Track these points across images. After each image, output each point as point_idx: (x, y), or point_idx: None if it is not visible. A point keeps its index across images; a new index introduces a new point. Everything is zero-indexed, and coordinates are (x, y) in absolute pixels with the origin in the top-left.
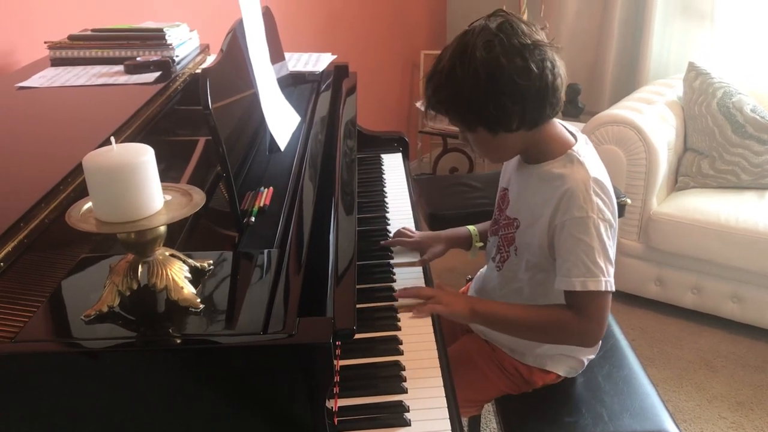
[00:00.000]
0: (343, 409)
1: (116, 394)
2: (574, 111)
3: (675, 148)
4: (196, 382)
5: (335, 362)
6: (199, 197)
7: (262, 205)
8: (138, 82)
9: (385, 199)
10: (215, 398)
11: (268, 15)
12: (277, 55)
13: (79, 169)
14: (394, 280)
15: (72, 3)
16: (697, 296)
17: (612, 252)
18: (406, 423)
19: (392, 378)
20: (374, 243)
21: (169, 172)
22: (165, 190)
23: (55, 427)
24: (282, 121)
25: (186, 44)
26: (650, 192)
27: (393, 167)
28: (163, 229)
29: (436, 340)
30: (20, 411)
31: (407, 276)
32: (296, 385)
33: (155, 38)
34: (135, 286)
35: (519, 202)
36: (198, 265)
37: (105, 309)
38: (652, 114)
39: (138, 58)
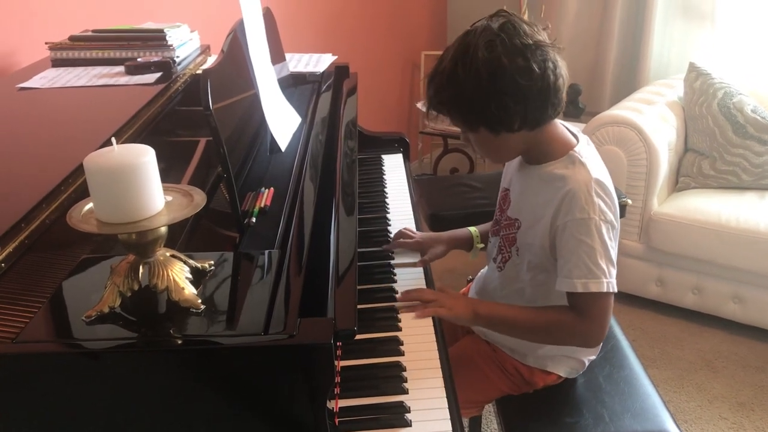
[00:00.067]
0: (344, 410)
1: (117, 395)
2: (575, 111)
3: (676, 149)
4: (197, 383)
5: (336, 363)
6: (199, 198)
7: (262, 205)
8: (139, 83)
9: (386, 200)
10: (216, 399)
11: (268, 15)
12: (277, 56)
13: (80, 169)
14: (395, 281)
15: (72, 4)
16: (697, 297)
17: (614, 253)
18: (407, 423)
19: (393, 378)
20: (375, 243)
21: (169, 173)
22: (166, 190)
23: (56, 428)
24: (283, 121)
25: (187, 45)
26: (651, 192)
27: (394, 168)
28: (164, 229)
29: (437, 341)
30: (21, 412)
31: (408, 277)
32: (297, 386)
33: (156, 39)
34: (136, 287)
35: (520, 203)
36: (199, 265)
37: (106, 310)
38: (653, 114)
39: (139, 59)
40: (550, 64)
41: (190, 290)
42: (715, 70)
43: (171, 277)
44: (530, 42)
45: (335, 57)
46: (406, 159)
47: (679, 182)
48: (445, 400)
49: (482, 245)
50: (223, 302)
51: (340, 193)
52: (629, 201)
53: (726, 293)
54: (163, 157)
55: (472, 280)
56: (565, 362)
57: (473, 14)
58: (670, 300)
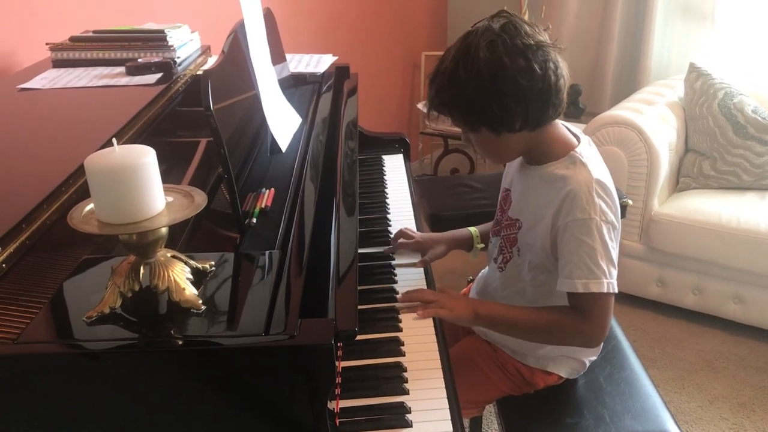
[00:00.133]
0: (344, 411)
1: (118, 395)
2: (575, 112)
3: (676, 149)
4: (198, 384)
5: (337, 363)
6: (200, 198)
7: (263, 206)
8: (139, 84)
9: (387, 200)
10: (217, 400)
11: (269, 16)
12: (278, 57)
13: (80, 170)
14: (396, 281)
15: (73, 4)
16: (698, 297)
17: (615, 254)
18: (408, 424)
19: (394, 379)
20: (376, 244)
21: (170, 174)
22: (167, 191)
23: (57, 429)
24: (283, 122)
25: (187, 45)
26: (651, 193)
27: (394, 168)
28: (164, 230)
29: (438, 341)
30: (22, 412)
31: (409, 277)
32: (298, 387)
33: (156, 39)
34: (137, 288)
35: (521, 203)
36: (200, 266)
37: (107, 310)
38: (653, 115)
39: (139, 60)
40: (552, 65)
41: (190, 291)
42: (715, 70)
43: (172, 278)
44: (531, 42)
45: (336, 57)
46: (407, 159)
47: (680, 183)
48: (446, 400)
49: (482, 245)
50: (224, 303)
51: (341, 193)
52: (630, 201)
53: (727, 294)
54: (164, 157)
55: (472, 281)
56: (566, 363)
57: (474, 15)
58: (670, 300)
